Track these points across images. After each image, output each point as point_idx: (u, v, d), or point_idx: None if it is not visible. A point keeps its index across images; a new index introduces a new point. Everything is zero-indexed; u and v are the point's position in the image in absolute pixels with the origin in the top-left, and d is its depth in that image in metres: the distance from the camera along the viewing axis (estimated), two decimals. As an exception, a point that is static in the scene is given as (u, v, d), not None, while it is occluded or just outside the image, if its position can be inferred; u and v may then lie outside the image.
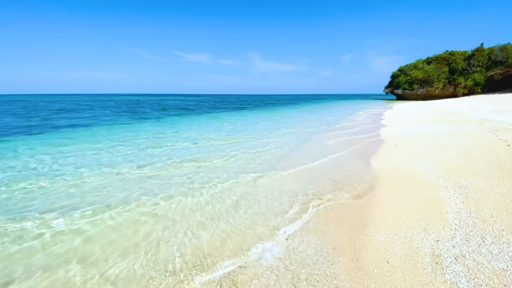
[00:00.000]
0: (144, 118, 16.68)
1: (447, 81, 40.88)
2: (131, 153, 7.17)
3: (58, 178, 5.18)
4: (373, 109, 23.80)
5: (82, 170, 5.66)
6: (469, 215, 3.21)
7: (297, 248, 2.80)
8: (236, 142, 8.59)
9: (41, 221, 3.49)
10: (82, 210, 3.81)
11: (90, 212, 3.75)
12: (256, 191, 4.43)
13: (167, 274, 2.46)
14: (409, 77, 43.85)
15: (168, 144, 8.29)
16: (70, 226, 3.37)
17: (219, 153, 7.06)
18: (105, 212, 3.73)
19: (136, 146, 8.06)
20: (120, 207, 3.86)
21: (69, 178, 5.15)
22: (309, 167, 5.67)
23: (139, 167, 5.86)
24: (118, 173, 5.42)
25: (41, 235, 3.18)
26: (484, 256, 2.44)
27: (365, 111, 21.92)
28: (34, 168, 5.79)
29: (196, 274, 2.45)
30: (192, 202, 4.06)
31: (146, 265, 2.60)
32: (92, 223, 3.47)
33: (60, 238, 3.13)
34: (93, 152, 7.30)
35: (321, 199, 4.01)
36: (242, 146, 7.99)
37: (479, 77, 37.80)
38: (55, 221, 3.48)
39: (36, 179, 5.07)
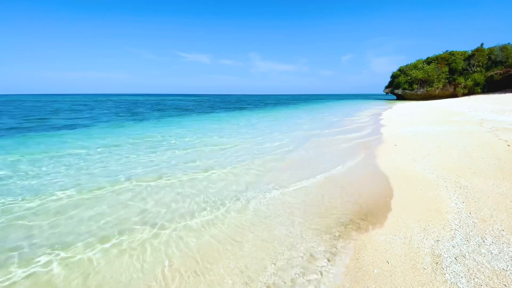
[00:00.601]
0: (141, 120, 16.30)
1: (447, 81, 40.87)
2: (122, 161, 6.39)
3: (31, 195, 4.33)
4: (373, 109, 23.81)
5: (63, 181, 4.92)
6: (469, 215, 3.21)
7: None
8: (239, 147, 8.00)
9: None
10: (53, 244, 3.01)
11: (61, 247, 2.95)
12: (269, 212, 3.68)
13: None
14: (409, 77, 43.84)
15: (164, 149, 7.63)
16: (35, 269, 2.61)
17: (221, 160, 6.45)
18: (72, 247, 2.94)
19: (129, 152, 7.32)
20: (89, 242, 3.04)
21: (44, 196, 4.31)
22: (315, 182, 4.79)
23: (129, 179, 5.10)
24: (99, 188, 4.62)
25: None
26: (484, 256, 2.44)
27: (365, 111, 21.93)
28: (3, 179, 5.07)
29: None
30: (192, 230, 3.28)
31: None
32: (63, 263, 2.69)
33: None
34: (79, 158, 6.66)
35: (345, 224, 3.26)
36: (246, 151, 7.45)
37: (479, 77, 37.79)
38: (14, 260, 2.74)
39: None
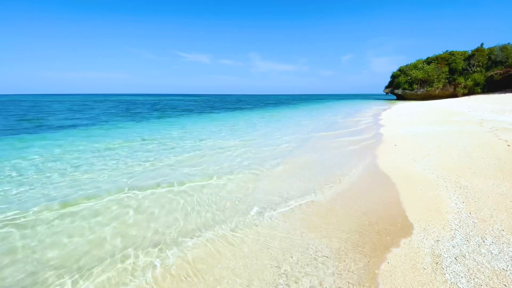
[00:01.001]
0: (140, 121, 15.77)
1: (447, 81, 40.87)
2: (116, 167, 5.83)
3: (3, 209, 3.76)
4: (374, 109, 23.81)
5: (44, 193, 4.32)
6: (469, 215, 3.21)
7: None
8: (240, 150, 7.42)
9: None
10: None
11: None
12: (274, 223, 3.30)
13: None
14: (409, 77, 43.83)
15: (162, 154, 7.04)
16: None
17: (222, 166, 5.91)
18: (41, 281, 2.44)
19: (125, 156, 6.80)
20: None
21: (21, 211, 3.71)
22: (316, 183, 4.78)
23: (122, 187, 4.55)
24: (88, 199, 4.07)
25: None
26: (484, 256, 2.44)
27: (365, 111, 21.93)
28: None
29: None
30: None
31: None
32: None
33: None
34: (69, 163, 6.10)
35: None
36: (248, 154, 6.94)
37: (479, 77, 37.79)
38: None
39: None
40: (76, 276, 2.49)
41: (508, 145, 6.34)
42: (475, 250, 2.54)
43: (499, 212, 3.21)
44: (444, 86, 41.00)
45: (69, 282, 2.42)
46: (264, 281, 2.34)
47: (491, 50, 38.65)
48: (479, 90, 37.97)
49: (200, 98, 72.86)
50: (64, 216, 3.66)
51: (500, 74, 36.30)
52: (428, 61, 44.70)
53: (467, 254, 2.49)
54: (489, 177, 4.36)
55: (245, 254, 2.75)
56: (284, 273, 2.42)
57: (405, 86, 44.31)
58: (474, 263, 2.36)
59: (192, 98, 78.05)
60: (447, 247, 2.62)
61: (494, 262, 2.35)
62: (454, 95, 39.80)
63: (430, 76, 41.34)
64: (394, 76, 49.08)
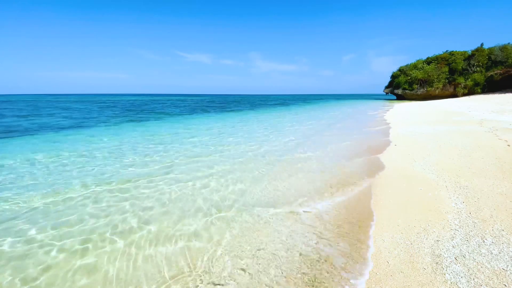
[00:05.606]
0: (99, 127, 13.01)
1: (447, 81, 40.88)
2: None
3: None
4: (374, 109, 23.82)
5: None
6: (469, 215, 3.21)
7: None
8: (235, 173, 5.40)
9: None
10: None
11: None
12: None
13: None
14: (409, 77, 43.85)
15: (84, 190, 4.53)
16: None
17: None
18: None
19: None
20: None
21: None
22: (315, 177, 5.22)
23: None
24: None
25: None
26: (484, 256, 2.44)
27: (365, 111, 21.95)
28: None
29: None
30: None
31: None
32: None
33: None
34: None
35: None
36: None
37: (479, 77, 37.79)
38: None
39: None
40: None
41: (508, 145, 6.34)
42: (475, 250, 2.54)
43: (499, 212, 3.21)
44: (444, 86, 41.01)
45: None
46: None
47: (491, 50, 38.64)
48: (479, 90, 37.97)
49: (199, 98, 72.66)
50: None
51: (500, 74, 36.30)
52: (428, 61, 44.71)
53: (467, 254, 2.49)
54: (489, 177, 4.36)
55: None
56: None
57: (405, 86, 44.33)
58: (474, 263, 2.36)
59: (191, 98, 77.89)
60: (447, 247, 2.62)
61: (494, 262, 2.35)
62: (454, 95, 39.80)
63: (430, 76, 41.36)
64: (394, 76, 49.09)
